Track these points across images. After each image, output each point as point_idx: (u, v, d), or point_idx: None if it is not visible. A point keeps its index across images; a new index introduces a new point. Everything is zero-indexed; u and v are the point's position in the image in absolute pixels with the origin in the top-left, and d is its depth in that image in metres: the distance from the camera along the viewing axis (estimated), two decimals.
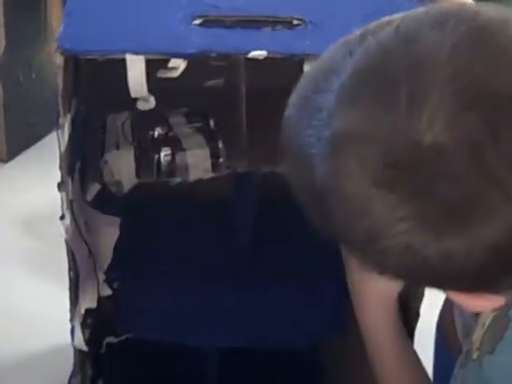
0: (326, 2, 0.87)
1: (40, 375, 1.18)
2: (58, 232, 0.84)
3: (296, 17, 0.81)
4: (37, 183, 1.53)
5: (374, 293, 0.85)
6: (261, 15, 0.82)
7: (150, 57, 0.75)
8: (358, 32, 0.55)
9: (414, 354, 0.88)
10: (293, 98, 0.57)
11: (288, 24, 0.81)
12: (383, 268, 0.55)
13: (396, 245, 0.51)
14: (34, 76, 1.84)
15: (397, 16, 0.54)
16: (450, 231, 0.49)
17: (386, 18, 0.55)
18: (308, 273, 1.01)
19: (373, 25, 0.55)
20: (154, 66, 0.78)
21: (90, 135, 0.92)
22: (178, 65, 0.76)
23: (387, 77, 0.50)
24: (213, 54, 0.76)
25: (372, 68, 0.52)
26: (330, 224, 0.55)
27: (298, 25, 0.81)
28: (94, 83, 0.89)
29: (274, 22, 0.81)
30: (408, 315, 0.92)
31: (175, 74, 0.77)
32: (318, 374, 1.09)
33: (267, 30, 0.80)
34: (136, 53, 0.75)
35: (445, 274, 0.52)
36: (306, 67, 0.78)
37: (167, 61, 0.77)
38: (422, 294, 0.92)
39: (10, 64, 1.77)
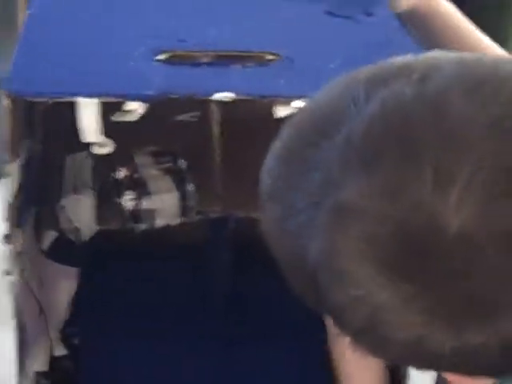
0: (306, 34, 0.78)
1: None
2: None
3: (270, 51, 0.73)
4: None
5: (360, 364, 0.77)
6: (231, 50, 0.74)
7: (104, 100, 0.67)
8: (359, 75, 0.46)
9: None
10: (276, 147, 0.48)
11: (261, 60, 0.73)
12: (381, 354, 0.47)
13: (405, 337, 0.43)
14: None
15: (411, 60, 0.45)
16: (470, 325, 0.43)
17: (398, 61, 0.46)
18: (288, 323, 0.93)
19: (379, 68, 0.46)
20: (110, 107, 0.70)
21: (46, 178, 0.84)
22: (136, 108, 0.68)
23: (410, 147, 0.42)
24: (174, 96, 0.68)
25: (391, 132, 0.42)
26: (319, 300, 0.46)
27: (271, 60, 0.73)
28: (51, 121, 0.81)
29: (245, 58, 0.73)
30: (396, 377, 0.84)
31: (133, 117, 0.69)
32: None
33: (237, 67, 0.72)
34: (88, 95, 0.67)
35: (453, 364, 0.45)
36: (279, 110, 0.70)
37: (123, 103, 0.68)
38: None
39: None
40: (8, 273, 0.75)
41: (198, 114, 0.88)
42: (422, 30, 0.85)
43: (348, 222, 0.43)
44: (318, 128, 0.45)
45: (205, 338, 0.90)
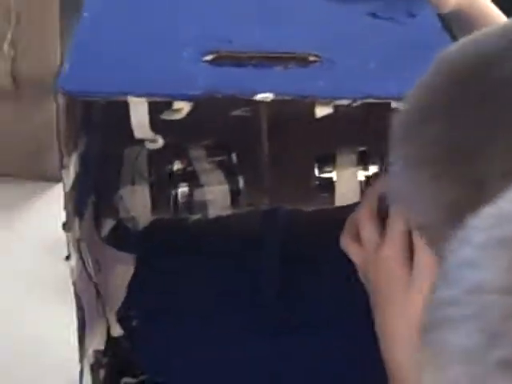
0: (348, 35, 0.82)
1: None
2: None
3: (312, 53, 0.77)
4: None
5: (404, 331, 0.78)
6: (275, 51, 0.77)
7: (152, 99, 0.72)
8: None
9: None
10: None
11: (303, 61, 0.76)
12: None
13: None
14: None
15: None
16: None
17: None
18: (342, 316, 0.96)
19: None
20: (162, 105, 0.75)
21: (104, 170, 0.89)
22: (182, 107, 0.73)
23: None
24: (218, 96, 0.72)
25: None
26: None
27: (313, 61, 0.76)
28: (108, 117, 0.86)
29: (288, 59, 0.76)
30: None
31: (180, 115, 0.74)
32: None
33: (280, 68, 0.75)
34: (137, 95, 0.71)
35: None
36: (318, 110, 0.74)
37: (171, 102, 0.73)
38: None
39: None
40: (68, 258, 0.81)
41: (248, 109, 0.92)
42: (466, 31, 0.87)
43: None
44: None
45: (253, 327, 0.94)
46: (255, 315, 0.95)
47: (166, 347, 0.94)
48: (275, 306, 0.97)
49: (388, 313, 0.79)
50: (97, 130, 0.86)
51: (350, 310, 0.94)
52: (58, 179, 1.74)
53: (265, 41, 0.79)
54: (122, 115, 0.77)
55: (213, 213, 0.90)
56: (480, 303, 0.35)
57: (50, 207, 1.67)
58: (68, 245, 0.80)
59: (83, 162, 0.82)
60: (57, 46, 1.59)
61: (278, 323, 0.95)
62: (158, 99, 0.72)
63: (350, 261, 0.80)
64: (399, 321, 0.79)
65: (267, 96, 0.71)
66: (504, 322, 0.34)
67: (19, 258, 1.54)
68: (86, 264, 0.83)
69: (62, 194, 0.78)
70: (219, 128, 0.92)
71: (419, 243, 0.76)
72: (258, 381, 0.94)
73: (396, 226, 0.74)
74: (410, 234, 0.74)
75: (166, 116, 0.75)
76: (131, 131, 0.80)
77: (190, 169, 0.91)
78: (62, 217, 0.79)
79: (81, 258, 0.82)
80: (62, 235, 1.53)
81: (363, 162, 0.89)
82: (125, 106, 0.74)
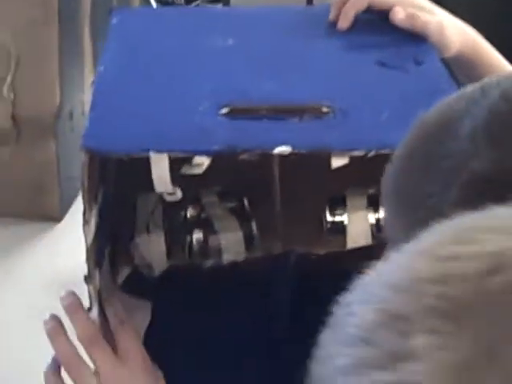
0: (358, 85, 0.84)
1: None
2: None
3: (324, 104, 0.79)
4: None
5: None
6: (289, 103, 0.80)
7: (173, 154, 0.74)
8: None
9: None
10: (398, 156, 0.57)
11: (317, 112, 0.78)
12: None
13: None
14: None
15: None
16: None
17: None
18: None
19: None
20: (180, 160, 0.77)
21: (120, 218, 0.91)
22: (203, 162, 0.75)
23: None
24: (238, 151, 0.74)
25: None
26: None
27: (326, 113, 0.78)
28: (123, 166, 0.88)
29: (302, 111, 0.78)
30: None
31: (199, 170, 0.76)
32: None
33: (295, 120, 0.77)
34: (159, 151, 0.73)
35: None
36: (334, 161, 0.76)
37: (191, 157, 0.75)
38: None
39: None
40: (89, 309, 0.82)
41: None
42: (467, 77, 0.90)
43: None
44: (441, 130, 0.53)
45: (268, 370, 0.95)
46: (268, 358, 0.96)
47: None
48: (286, 349, 0.99)
49: None
50: (112, 180, 0.88)
51: None
52: (58, 219, 1.75)
53: (278, 91, 0.81)
54: (133, 163, 0.79)
55: (227, 258, 0.92)
56: None
57: (50, 247, 1.67)
58: (90, 297, 0.82)
59: (100, 214, 0.83)
60: (56, 87, 1.60)
61: (291, 366, 0.96)
62: (179, 155, 0.74)
63: None
64: None
65: (285, 150, 0.73)
66: None
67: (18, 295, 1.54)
68: (106, 313, 0.84)
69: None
70: (230, 173, 0.94)
71: None
72: None
73: None
74: None
75: (186, 170, 0.76)
76: (144, 179, 0.82)
77: (203, 215, 0.92)
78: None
79: (101, 309, 0.83)
80: (63, 276, 1.53)
81: (374, 204, 0.91)
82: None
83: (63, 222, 1.78)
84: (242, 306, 0.95)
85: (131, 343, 0.80)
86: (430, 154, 0.53)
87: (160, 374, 0.82)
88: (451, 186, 0.50)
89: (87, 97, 1.83)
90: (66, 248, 1.65)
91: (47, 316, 0.86)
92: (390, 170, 0.58)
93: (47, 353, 0.82)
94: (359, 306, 0.38)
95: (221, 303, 0.95)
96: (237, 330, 0.95)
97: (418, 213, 0.53)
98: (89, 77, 1.83)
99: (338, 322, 0.40)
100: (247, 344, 0.95)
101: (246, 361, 0.95)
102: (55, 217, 1.80)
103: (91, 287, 0.80)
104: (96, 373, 0.78)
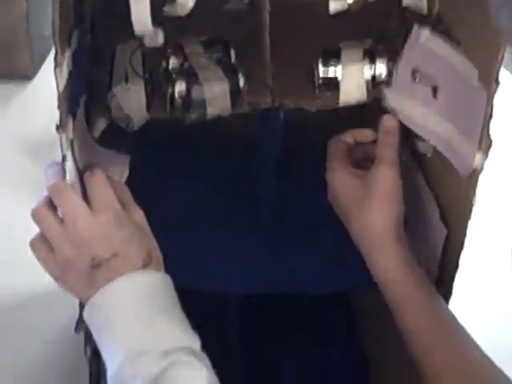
0: None
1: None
2: None
3: None
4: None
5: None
6: None
7: None
8: None
9: (450, 315, 0.81)
10: None
11: None
12: None
13: None
14: None
15: None
16: None
17: None
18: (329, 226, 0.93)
19: None
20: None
21: (96, 67, 0.84)
22: (187, 1, 0.67)
23: None
24: None
25: None
26: None
27: None
28: (101, 11, 0.80)
29: None
30: (443, 267, 0.84)
31: (184, 10, 0.68)
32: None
33: None
34: None
35: None
36: (332, 4, 0.69)
37: None
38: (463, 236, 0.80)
39: None
40: (64, 159, 0.76)
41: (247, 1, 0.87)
42: None
43: None
44: None
45: (254, 226, 0.91)
46: (255, 216, 0.92)
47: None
48: (270, 207, 0.94)
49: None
50: (88, 25, 0.81)
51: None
52: (29, 77, 1.69)
53: None
54: (112, 8, 0.72)
55: (211, 112, 0.86)
56: None
57: (22, 108, 1.61)
58: (61, 147, 0.76)
59: (75, 60, 0.76)
60: None
61: (279, 224, 0.92)
62: None
63: None
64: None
65: None
66: None
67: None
68: (80, 166, 0.79)
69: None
70: (217, 23, 0.87)
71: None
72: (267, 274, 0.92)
73: None
74: None
75: (169, 10, 0.69)
76: (124, 26, 0.75)
77: (186, 65, 0.86)
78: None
79: (74, 159, 0.77)
80: (41, 134, 1.47)
81: (370, 58, 0.85)
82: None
83: (35, 81, 1.72)
84: (226, 163, 0.90)
85: (103, 193, 0.75)
86: None
87: (145, 230, 0.78)
88: None
89: None
90: (37, 108, 1.59)
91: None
92: None
93: None
94: None
95: (203, 160, 0.90)
96: (220, 189, 0.90)
97: None
98: None
99: None
100: (231, 202, 0.91)
101: (230, 219, 0.90)
102: (27, 75, 1.73)
103: (63, 136, 0.74)
104: (61, 221, 0.73)
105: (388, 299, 0.81)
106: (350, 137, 0.88)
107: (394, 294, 0.81)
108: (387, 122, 0.84)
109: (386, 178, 0.82)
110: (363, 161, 0.88)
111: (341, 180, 0.85)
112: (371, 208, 0.81)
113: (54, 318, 1.15)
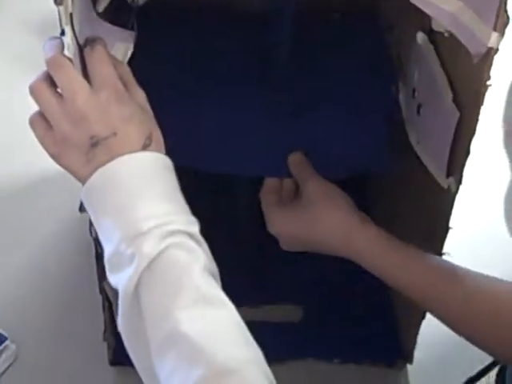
0: None
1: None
2: None
3: None
4: None
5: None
6: None
7: None
8: None
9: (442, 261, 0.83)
10: None
11: None
12: None
13: None
14: None
15: None
16: None
17: None
18: (350, 96, 0.91)
19: None
20: None
21: None
22: None
23: None
24: None
25: None
26: None
27: None
28: None
29: None
30: (454, 152, 0.81)
31: None
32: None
33: None
34: None
35: None
36: None
37: None
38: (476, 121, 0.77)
39: None
40: (62, 33, 0.74)
41: None
42: None
43: None
44: None
45: (266, 102, 0.88)
46: (267, 91, 0.89)
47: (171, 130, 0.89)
48: (286, 81, 0.91)
49: None
50: None
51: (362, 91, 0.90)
52: None
53: None
54: None
55: None
56: None
57: None
58: (59, 20, 0.73)
59: None
60: None
61: (291, 98, 0.89)
62: None
63: None
64: None
65: None
66: None
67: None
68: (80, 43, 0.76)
69: None
70: None
71: None
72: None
73: None
74: None
75: None
76: None
77: None
78: None
79: (74, 34, 0.74)
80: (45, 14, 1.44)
81: None
82: None
83: None
84: (236, 42, 0.87)
85: (104, 69, 0.73)
86: None
87: (146, 111, 0.76)
88: None
89: None
90: None
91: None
92: None
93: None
94: None
95: (213, 35, 0.86)
96: (230, 64, 0.87)
97: None
98: None
99: None
100: (242, 78, 0.88)
101: (240, 88, 0.87)
102: None
103: (61, 8, 0.71)
104: (60, 97, 0.71)
105: (385, 280, 0.83)
106: (274, 184, 0.92)
107: (385, 268, 0.82)
108: (292, 158, 0.89)
109: (313, 187, 0.87)
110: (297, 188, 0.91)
111: (283, 220, 0.88)
112: (320, 215, 0.85)
113: (65, 199, 1.15)
